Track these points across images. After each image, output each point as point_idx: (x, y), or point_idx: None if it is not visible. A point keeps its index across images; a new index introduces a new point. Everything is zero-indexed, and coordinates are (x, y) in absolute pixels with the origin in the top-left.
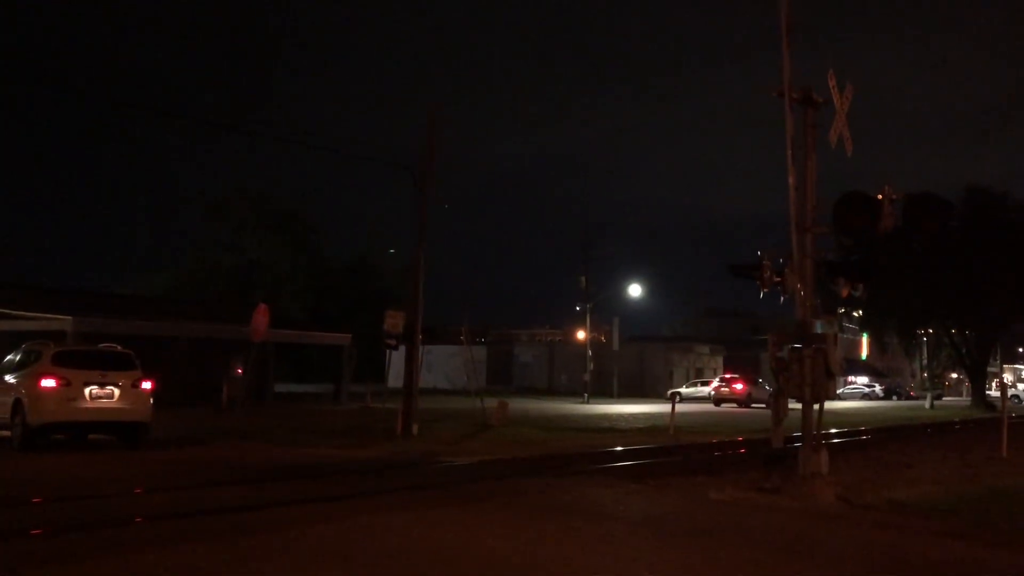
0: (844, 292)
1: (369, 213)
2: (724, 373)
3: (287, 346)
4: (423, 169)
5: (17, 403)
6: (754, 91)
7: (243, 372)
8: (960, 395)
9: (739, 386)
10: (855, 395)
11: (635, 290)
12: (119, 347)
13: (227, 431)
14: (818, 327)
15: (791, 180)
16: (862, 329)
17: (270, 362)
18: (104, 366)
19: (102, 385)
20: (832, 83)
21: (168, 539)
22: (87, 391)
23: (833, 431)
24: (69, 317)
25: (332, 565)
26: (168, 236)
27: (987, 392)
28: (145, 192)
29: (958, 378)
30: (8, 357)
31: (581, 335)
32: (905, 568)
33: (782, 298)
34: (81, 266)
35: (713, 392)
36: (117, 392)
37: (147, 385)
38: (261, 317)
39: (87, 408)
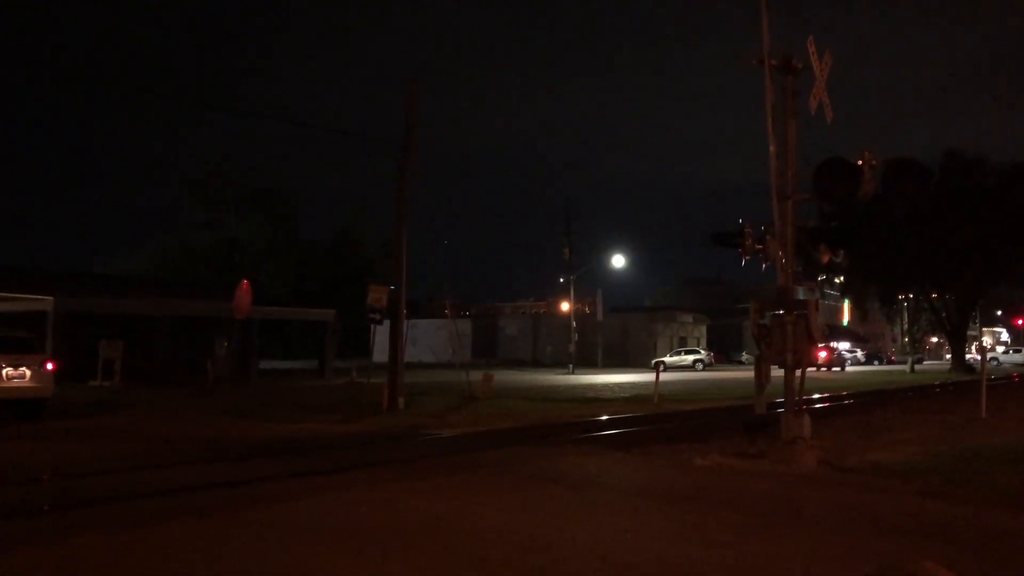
0: (825, 259)
1: (350, 189)
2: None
3: (271, 323)
4: (404, 143)
5: None
6: (734, 59)
7: (227, 349)
8: (940, 359)
9: (823, 354)
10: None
11: (618, 261)
12: (23, 332)
13: (212, 408)
14: (800, 294)
15: (771, 148)
16: (843, 295)
17: (254, 339)
18: (14, 350)
19: (16, 366)
20: (811, 49)
21: (158, 516)
22: (3, 372)
23: (815, 396)
24: (50, 298)
25: (319, 539)
26: (148, 216)
27: (967, 355)
28: (125, 171)
29: (938, 342)
30: None
31: (565, 306)
32: (886, 528)
33: (763, 266)
34: (62, 246)
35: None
36: (28, 373)
37: (50, 366)
38: (244, 294)
39: (4, 387)
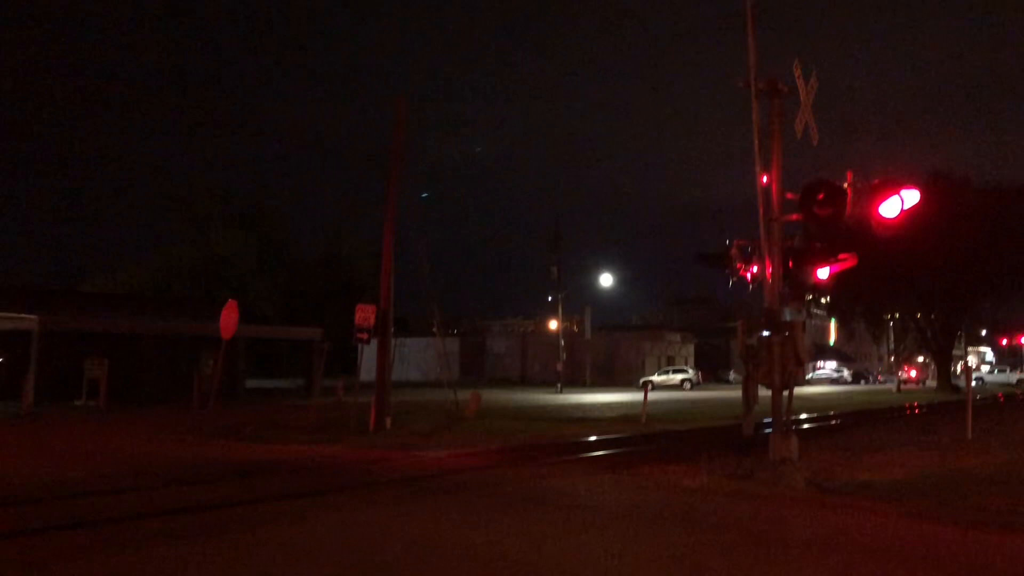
0: (811, 279)
1: (339, 207)
2: (904, 366)
3: (257, 341)
4: (392, 161)
5: None
6: (721, 81)
7: (214, 368)
8: (926, 378)
9: (914, 373)
10: (823, 380)
11: (606, 279)
12: None
13: (199, 428)
14: (786, 314)
15: (758, 169)
16: (830, 315)
17: (241, 358)
18: None
19: None
20: (797, 73)
21: (142, 539)
22: None
23: (803, 416)
24: (35, 316)
25: (307, 561)
26: (134, 233)
27: (951, 374)
28: (110, 188)
29: (924, 362)
30: None
31: (553, 325)
32: (874, 551)
33: (750, 286)
34: (45, 264)
35: (898, 378)
36: None
37: None
38: (230, 314)
39: None
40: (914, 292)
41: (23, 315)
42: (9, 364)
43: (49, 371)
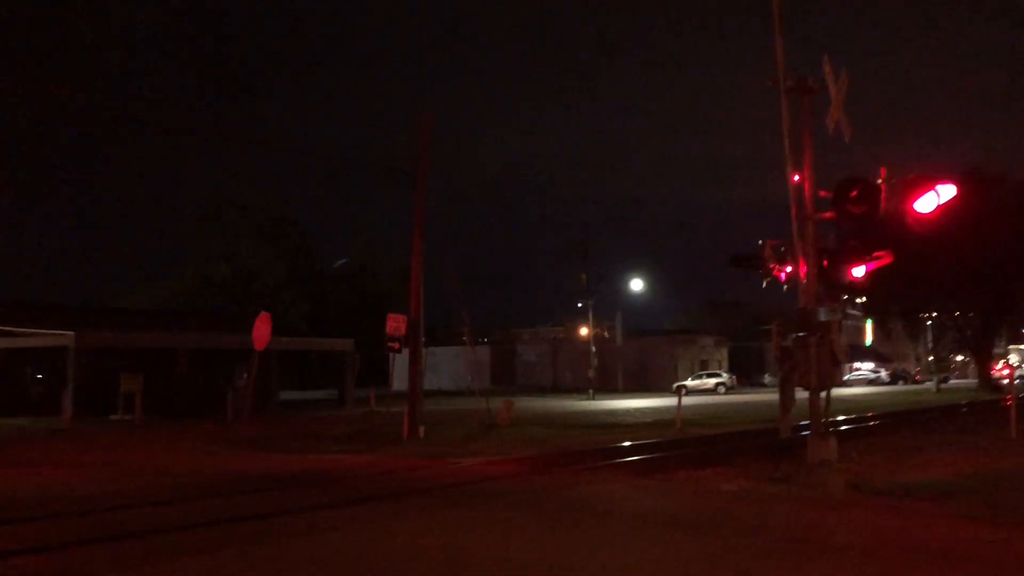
0: (846, 278)
1: (364, 217)
2: (996, 365)
3: (289, 353)
4: (418, 170)
5: None
6: (750, 80)
7: (247, 381)
8: (967, 378)
9: (1006, 372)
10: (861, 381)
11: (636, 284)
12: None
13: (234, 441)
14: (821, 314)
15: (789, 169)
16: (866, 315)
17: (273, 370)
18: None
19: None
20: (827, 69)
21: (180, 550)
22: None
23: (840, 418)
24: (71, 333)
25: (346, 571)
26: (165, 248)
27: (992, 373)
28: (141, 204)
29: (964, 360)
30: None
31: (584, 331)
32: (918, 553)
33: (784, 287)
34: (80, 280)
35: (996, 375)
36: None
37: None
38: (263, 326)
39: None
40: (952, 290)
41: (60, 332)
42: (47, 380)
43: (86, 386)
